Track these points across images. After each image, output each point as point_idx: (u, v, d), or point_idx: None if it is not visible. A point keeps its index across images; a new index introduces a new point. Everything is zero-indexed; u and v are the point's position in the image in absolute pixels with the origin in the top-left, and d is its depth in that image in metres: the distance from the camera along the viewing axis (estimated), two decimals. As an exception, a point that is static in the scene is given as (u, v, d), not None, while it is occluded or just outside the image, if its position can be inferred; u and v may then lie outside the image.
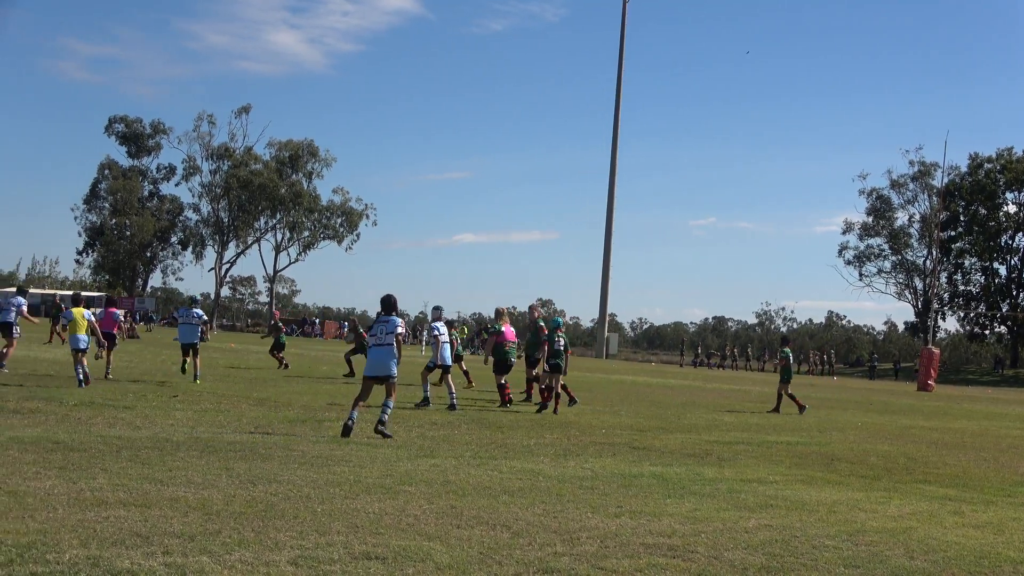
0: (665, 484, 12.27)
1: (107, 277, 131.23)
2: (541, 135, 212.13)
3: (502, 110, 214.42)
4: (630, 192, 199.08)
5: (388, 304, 15.97)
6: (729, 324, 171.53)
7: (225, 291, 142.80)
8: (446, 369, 21.80)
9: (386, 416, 15.51)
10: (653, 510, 10.32)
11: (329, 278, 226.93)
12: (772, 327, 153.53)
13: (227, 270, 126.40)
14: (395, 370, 15.71)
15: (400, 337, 15.70)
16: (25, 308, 26.67)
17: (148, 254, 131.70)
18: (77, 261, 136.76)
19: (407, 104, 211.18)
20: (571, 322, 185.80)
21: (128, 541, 7.53)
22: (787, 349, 27.65)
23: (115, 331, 25.21)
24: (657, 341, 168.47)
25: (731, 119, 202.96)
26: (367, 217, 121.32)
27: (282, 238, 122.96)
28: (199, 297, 32.79)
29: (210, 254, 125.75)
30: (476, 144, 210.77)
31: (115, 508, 8.68)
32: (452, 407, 20.86)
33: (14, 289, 28.33)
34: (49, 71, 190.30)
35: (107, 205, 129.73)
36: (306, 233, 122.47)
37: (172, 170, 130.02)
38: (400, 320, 15.82)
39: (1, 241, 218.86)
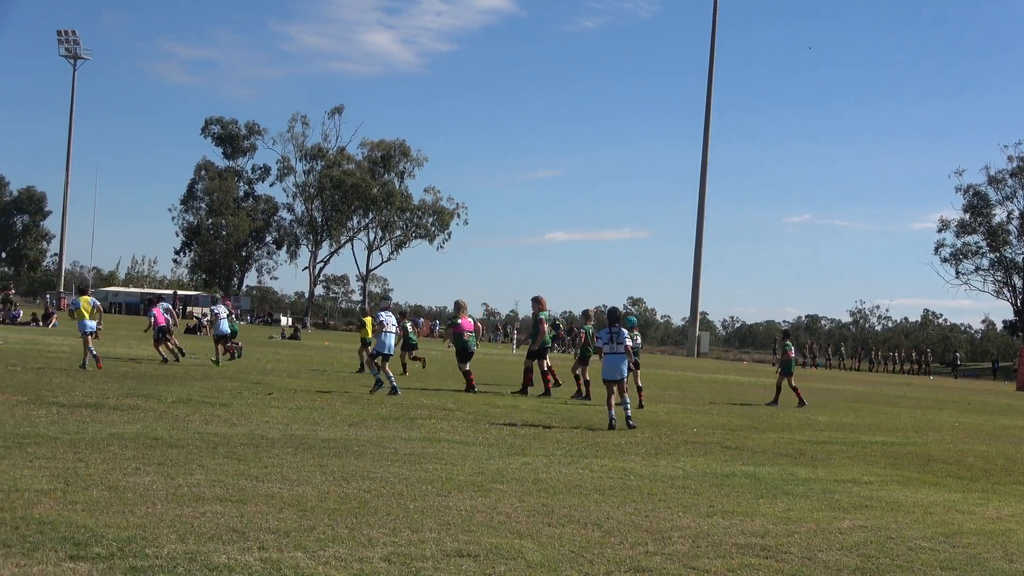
0: (758, 484, 12.16)
1: (204, 276, 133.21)
2: (632, 133, 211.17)
3: (593, 108, 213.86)
4: (721, 189, 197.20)
5: (614, 316, 18.73)
6: (823, 322, 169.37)
7: (319, 290, 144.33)
8: (386, 357, 22.23)
9: (628, 411, 18.14)
10: (745, 510, 10.23)
11: (421, 277, 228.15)
12: (866, 326, 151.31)
13: (321, 269, 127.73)
14: (626, 372, 18.28)
15: (628, 346, 18.35)
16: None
17: (243, 253, 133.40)
18: (175, 261, 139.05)
19: (499, 103, 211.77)
20: (662, 320, 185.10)
21: (224, 536, 7.64)
22: (788, 342, 27.80)
23: (163, 323, 28.36)
24: (749, 340, 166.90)
25: (827, 116, 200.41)
26: (458, 216, 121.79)
27: (374, 237, 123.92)
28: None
29: (304, 253, 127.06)
30: (567, 142, 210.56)
31: (212, 504, 8.81)
32: (378, 384, 22.08)
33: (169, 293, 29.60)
34: (149, 74, 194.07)
35: (204, 205, 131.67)
36: (398, 232, 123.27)
37: (267, 170, 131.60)
38: (626, 332, 18.46)
39: (102, 241, 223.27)
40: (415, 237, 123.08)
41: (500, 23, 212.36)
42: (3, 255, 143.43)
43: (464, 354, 24.63)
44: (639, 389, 23.41)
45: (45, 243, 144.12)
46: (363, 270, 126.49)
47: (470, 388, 24.20)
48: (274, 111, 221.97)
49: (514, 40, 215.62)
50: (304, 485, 10.00)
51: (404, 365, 29.47)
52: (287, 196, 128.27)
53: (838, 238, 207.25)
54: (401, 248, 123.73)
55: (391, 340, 22.31)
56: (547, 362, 24.78)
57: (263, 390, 20.71)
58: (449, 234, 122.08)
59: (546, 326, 24.60)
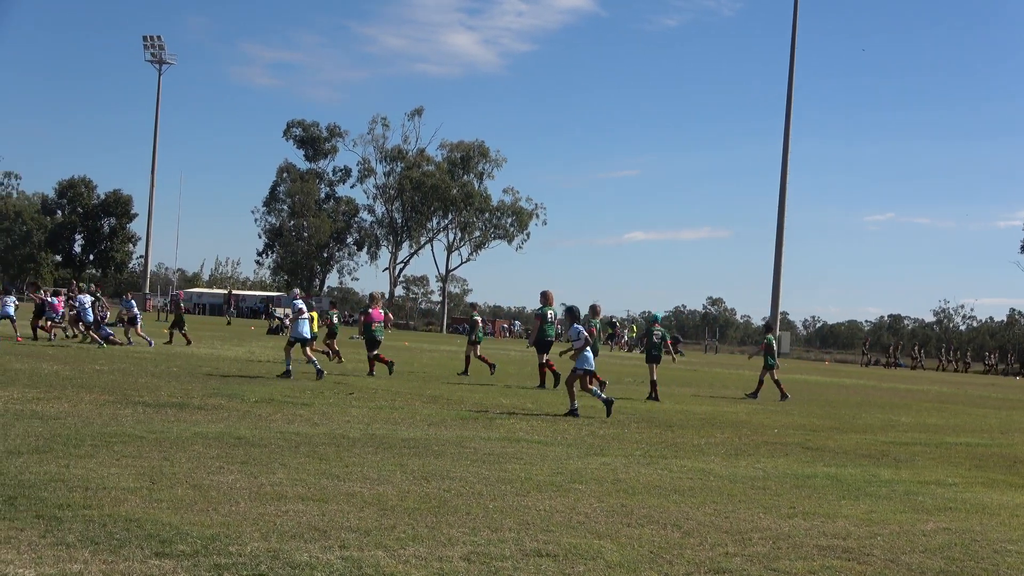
0: (839, 485, 12.03)
1: (286, 277, 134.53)
2: (712, 131, 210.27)
3: (673, 106, 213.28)
4: (802, 188, 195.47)
5: (573, 314, 19.66)
6: (905, 322, 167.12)
7: (399, 290, 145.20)
8: (305, 342, 23.66)
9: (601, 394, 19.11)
10: (827, 511, 10.13)
11: (500, 277, 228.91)
12: (951, 325, 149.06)
13: (401, 270, 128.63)
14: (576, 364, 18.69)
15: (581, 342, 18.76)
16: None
17: (325, 254, 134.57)
18: (257, 262, 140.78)
19: (578, 102, 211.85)
20: (741, 321, 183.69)
21: (306, 535, 7.72)
22: (770, 336, 28.04)
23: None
24: (831, 340, 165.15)
25: (910, 112, 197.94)
26: (537, 216, 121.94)
27: (454, 238, 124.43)
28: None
29: (384, 254, 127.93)
30: (646, 141, 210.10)
31: (294, 502, 8.89)
32: (287, 375, 23.15)
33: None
34: (232, 77, 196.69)
35: (285, 207, 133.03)
36: (477, 233, 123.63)
37: (347, 172, 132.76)
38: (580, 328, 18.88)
39: (187, 242, 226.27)
40: (494, 238, 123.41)
41: (580, 22, 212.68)
42: (91, 257, 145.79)
43: (372, 343, 26.20)
44: (653, 383, 24.12)
45: (131, 245, 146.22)
46: (442, 271, 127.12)
47: (371, 373, 26.03)
48: (355, 113, 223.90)
49: (594, 39, 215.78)
50: (384, 484, 10.06)
51: (327, 352, 30.76)
52: (367, 198, 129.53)
53: (921, 236, 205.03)
54: (480, 249, 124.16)
55: (305, 327, 23.81)
56: (546, 356, 25.17)
57: (344, 390, 20.87)
58: (528, 234, 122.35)
59: (541, 321, 25.07)
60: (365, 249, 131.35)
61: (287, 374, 23.24)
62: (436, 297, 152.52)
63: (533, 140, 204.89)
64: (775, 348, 27.65)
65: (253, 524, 7.99)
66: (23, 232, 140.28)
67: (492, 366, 29.45)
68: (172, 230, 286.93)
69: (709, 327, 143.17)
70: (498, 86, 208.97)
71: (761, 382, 27.24)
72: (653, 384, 24.18)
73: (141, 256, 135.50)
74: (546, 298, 25.32)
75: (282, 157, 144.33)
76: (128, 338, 34.33)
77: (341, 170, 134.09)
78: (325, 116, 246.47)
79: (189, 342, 36.19)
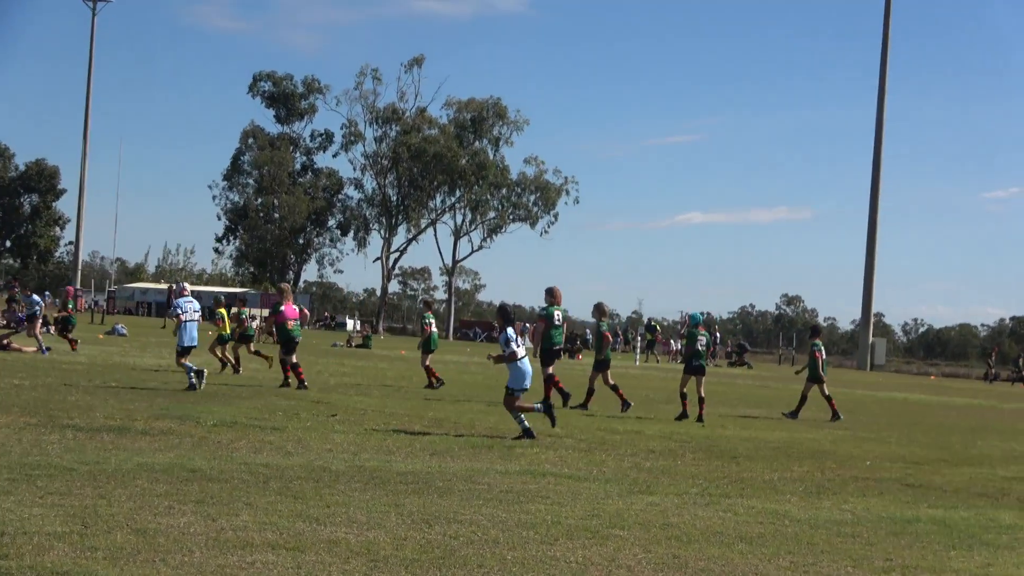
0: (948, 531, 12.02)
1: (252, 269, 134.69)
2: (790, 89, 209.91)
3: (740, 58, 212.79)
4: (901, 159, 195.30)
5: (506, 314, 20.10)
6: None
7: (393, 286, 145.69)
8: (188, 349, 24.62)
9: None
10: (932, 564, 10.13)
11: (520, 269, 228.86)
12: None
13: (396, 260, 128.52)
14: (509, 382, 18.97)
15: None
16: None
17: (301, 241, 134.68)
18: (216, 250, 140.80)
19: (619, 50, 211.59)
20: (825, 324, 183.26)
21: (278, 592, 7.75)
22: (818, 341, 28.17)
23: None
24: (938, 348, 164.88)
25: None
26: (567, 193, 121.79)
27: (462, 220, 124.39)
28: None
29: (375, 240, 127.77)
30: (708, 101, 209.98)
31: (262, 551, 8.93)
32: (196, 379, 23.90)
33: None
34: (186, 18, 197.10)
35: (251, 181, 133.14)
36: (492, 214, 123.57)
37: (329, 138, 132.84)
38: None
39: (128, 226, 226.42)
40: (513, 220, 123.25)
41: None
42: (8, 243, 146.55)
43: (288, 345, 26.73)
44: (701, 400, 24.59)
45: (58, 229, 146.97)
46: (448, 261, 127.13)
47: (284, 384, 26.52)
48: (339, 64, 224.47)
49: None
50: (376, 529, 10.10)
51: (237, 360, 30.84)
52: (354, 169, 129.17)
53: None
54: (496, 233, 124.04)
55: (194, 330, 24.83)
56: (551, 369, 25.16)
57: (325, 411, 20.92)
58: (555, 215, 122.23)
59: (547, 324, 25.09)
60: (351, 234, 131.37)
61: (198, 380, 23.85)
62: (440, 294, 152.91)
63: (563, 97, 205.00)
64: (823, 357, 27.86)
65: (211, 578, 8.02)
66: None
67: (438, 380, 30.25)
68: (109, 210, 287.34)
69: (783, 332, 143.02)
70: (519, 28, 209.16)
71: (804, 399, 27.38)
72: (701, 401, 24.50)
73: (70, 243, 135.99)
74: (553, 296, 25.57)
75: (247, 119, 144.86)
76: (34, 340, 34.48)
77: (321, 135, 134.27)
78: (301, 67, 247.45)
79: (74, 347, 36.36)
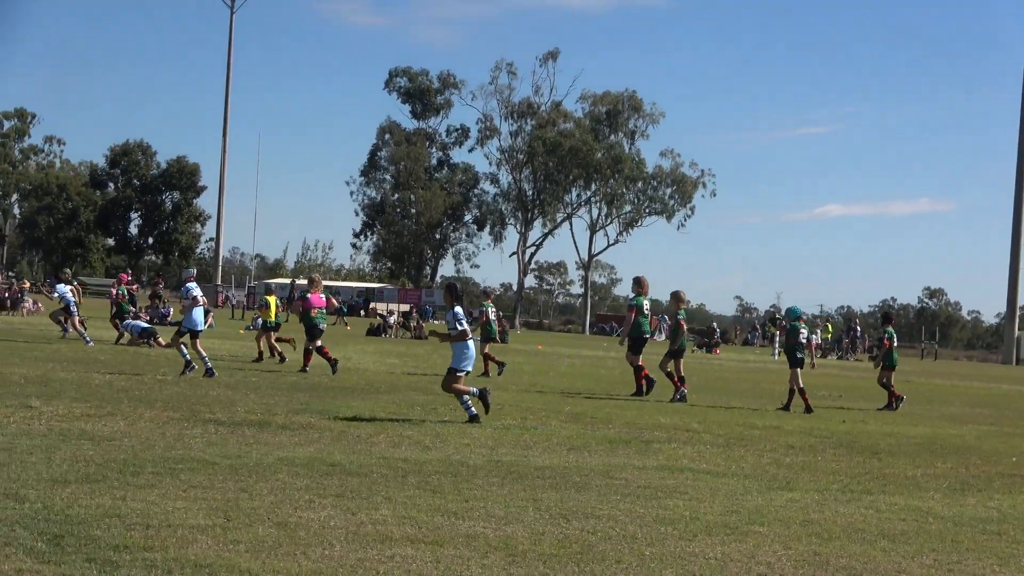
0: (1098, 530, 11.76)
1: (389, 265, 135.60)
2: (930, 76, 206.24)
3: (878, 46, 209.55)
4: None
5: (454, 292, 19.56)
6: None
7: (530, 280, 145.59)
8: (196, 334, 24.63)
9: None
10: (1082, 564, 9.92)
11: (656, 263, 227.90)
12: None
13: (532, 255, 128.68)
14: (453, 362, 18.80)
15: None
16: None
17: (437, 236, 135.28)
18: (354, 246, 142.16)
19: (755, 41, 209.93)
20: (969, 318, 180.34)
21: (417, 586, 7.80)
22: (890, 328, 28.10)
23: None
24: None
25: None
26: (703, 186, 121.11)
27: (598, 214, 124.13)
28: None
29: (511, 235, 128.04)
30: (845, 90, 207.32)
31: (401, 545, 9.00)
32: (187, 368, 24.09)
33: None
34: (324, 14, 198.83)
35: (388, 177, 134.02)
36: (628, 207, 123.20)
37: (465, 133, 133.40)
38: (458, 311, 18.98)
39: (267, 222, 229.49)
40: (649, 213, 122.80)
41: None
42: (150, 240, 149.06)
43: (313, 332, 27.63)
44: (800, 392, 24.63)
45: (199, 225, 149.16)
46: (584, 255, 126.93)
47: (304, 370, 27.39)
48: (474, 58, 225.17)
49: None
50: (514, 524, 10.12)
51: (272, 349, 31.08)
52: (490, 164, 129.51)
53: None
54: (632, 227, 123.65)
55: (201, 315, 25.12)
56: (640, 359, 25.83)
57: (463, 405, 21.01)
58: (692, 209, 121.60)
59: (637, 313, 25.73)
60: (487, 229, 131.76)
61: (189, 366, 24.04)
62: (576, 289, 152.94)
63: (698, 90, 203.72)
64: (895, 344, 27.81)
65: (351, 572, 8.10)
66: (68, 210, 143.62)
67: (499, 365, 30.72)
68: (248, 207, 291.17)
69: (926, 326, 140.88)
70: (654, 22, 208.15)
71: (890, 388, 27.20)
72: (802, 392, 24.56)
73: (211, 239, 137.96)
74: (641, 285, 26.30)
75: (384, 115, 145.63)
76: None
77: (457, 130, 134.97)
78: (437, 62, 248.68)
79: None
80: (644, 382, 25.59)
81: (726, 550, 9.58)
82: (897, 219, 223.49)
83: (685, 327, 26.27)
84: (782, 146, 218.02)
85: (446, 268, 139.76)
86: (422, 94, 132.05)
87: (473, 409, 18.53)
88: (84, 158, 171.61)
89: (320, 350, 27.47)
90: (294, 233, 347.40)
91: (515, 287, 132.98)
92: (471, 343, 18.88)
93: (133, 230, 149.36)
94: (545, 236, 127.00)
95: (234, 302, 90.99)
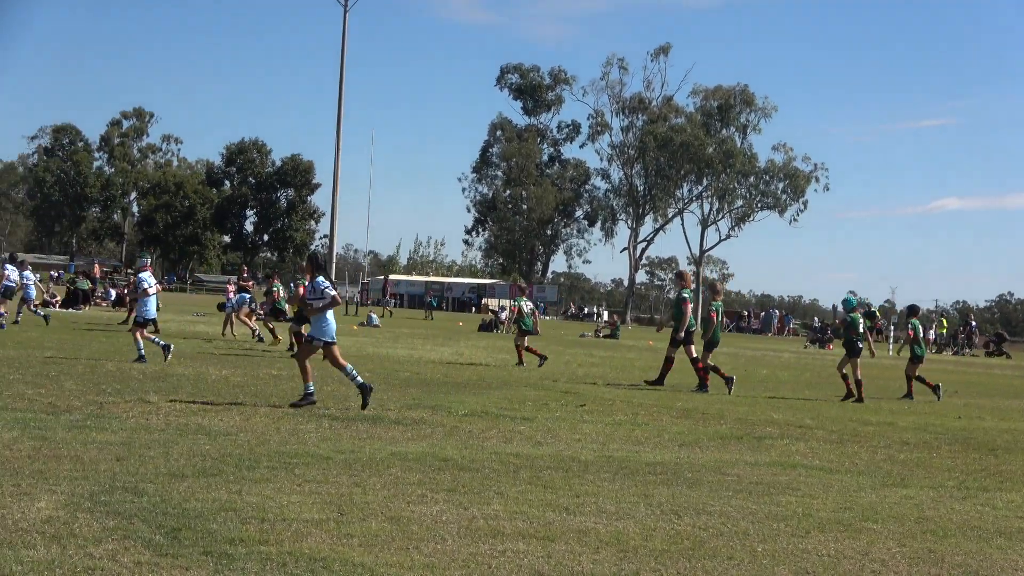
0: None
1: (500, 261, 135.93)
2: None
3: (997, 35, 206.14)
4: None
5: (315, 262, 19.11)
6: None
7: (641, 276, 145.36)
8: (146, 323, 24.67)
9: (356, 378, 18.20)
10: None
11: (768, 258, 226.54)
12: None
13: (643, 250, 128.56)
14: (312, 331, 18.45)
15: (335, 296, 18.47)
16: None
17: (548, 232, 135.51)
18: (466, 242, 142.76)
19: (869, 32, 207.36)
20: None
21: (528, 581, 7.82)
22: (915, 320, 28.42)
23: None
24: None
25: None
26: (816, 180, 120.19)
27: (710, 209, 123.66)
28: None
29: (623, 230, 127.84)
30: (964, 80, 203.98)
31: (513, 540, 9.02)
32: (140, 359, 23.73)
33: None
34: (437, 12, 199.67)
35: (500, 173, 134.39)
36: (740, 202, 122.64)
37: (576, 128, 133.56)
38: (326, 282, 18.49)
39: (380, 219, 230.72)
40: (761, 208, 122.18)
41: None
42: (265, 237, 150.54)
43: (301, 317, 27.71)
44: (856, 382, 25.06)
45: (313, 222, 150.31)
46: (696, 251, 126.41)
47: (291, 348, 28.67)
48: (585, 54, 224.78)
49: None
50: (625, 519, 10.12)
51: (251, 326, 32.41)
52: (601, 160, 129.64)
53: None
54: (743, 222, 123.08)
55: (154, 304, 25.44)
56: (693, 349, 26.22)
57: (574, 401, 21.02)
58: (805, 203, 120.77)
59: (690, 307, 25.98)
60: (599, 224, 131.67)
61: (141, 359, 23.94)
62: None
63: (811, 82, 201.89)
64: (921, 336, 27.99)
65: (462, 566, 8.14)
66: (185, 208, 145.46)
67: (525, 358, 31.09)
68: (362, 204, 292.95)
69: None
70: (767, 14, 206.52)
71: (916, 379, 27.26)
72: (858, 384, 24.89)
73: (325, 236, 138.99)
74: (684, 280, 26.87)
75: (495, 111, 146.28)
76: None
77: (568, 126, 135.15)
78: (548, 58, 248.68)
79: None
80: (704, 376, 25.71)
81: (839, 547, 9.51)
82: (1016, 212, 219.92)
83: (716, 319, 26.38)
84: (897, 139, 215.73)
85: (557, 264, 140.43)
86: (533, 90, 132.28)
87: (360, 378, 18.08)
88: (201, 156, 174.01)
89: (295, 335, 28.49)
90: (407, 230, 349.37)
91: (626, 283, 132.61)
92: (331, 313, 18.29)
93: (248, 227, 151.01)
94: (656, 231, 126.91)
95: (346, 297, 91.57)
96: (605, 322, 78.04)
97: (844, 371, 25.40)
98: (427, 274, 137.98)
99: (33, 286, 37.48)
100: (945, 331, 77.21)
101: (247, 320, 34.76)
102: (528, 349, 31.12)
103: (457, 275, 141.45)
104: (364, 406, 17.72)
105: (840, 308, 29.57)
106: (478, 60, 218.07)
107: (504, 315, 62.33)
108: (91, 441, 12.70)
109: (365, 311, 67.78)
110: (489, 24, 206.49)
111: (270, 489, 10.51)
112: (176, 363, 23.60)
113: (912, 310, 29.52)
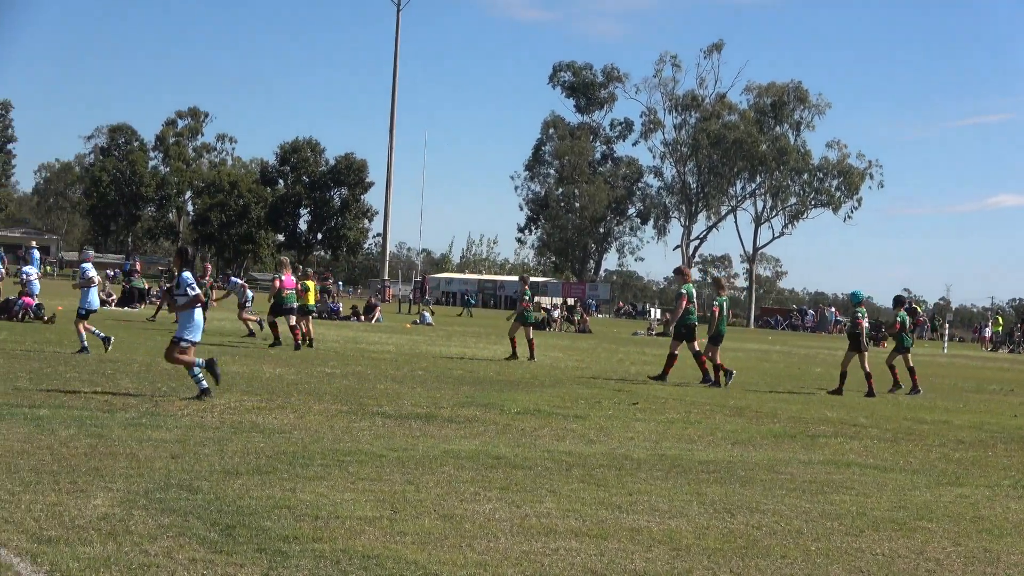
0: None
1: (553, 259, 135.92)
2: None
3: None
4: None
5: (184, 255, 18.59)
6: None
7: (694, 273, 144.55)
8: (88, 315, 24.64)
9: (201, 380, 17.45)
10: None
11: (822, 255, 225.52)
12: None
13: (696, 248, 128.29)
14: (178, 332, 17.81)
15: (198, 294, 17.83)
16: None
17: (601, 230, 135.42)
18: (518, 240, 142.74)
19: (927, 25, 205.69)
20: None
21: (581, 579, 7.82)
22: (903, 312, 28.28)
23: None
24: None
25: None
26: (871, 177, 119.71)
27: (763, 206, 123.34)
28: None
29: (675, 228, 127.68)
30: (1021, 75, 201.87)
31: (565, 538, 9.03)
32: (83, 350, 23.82)
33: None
34: (491, 10, 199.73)
35: (552, 171, 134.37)
36: (793, 200, 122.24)
37: (629, 126, 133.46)
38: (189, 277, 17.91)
39: (433, 217, 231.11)
40: (815, 205, 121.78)
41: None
42: (319, 236, 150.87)
43: (278, 308, 30.45)
44: (866, 374, 25.18)
45: (367, 221, 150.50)
46: (749, 248, 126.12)
47: (299, 344, 29.62)
48: (637, 52, 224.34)
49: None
50: (678, 518, 10.10)
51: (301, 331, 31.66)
52: (654, 157, 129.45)
53: None
54: (797, 220, 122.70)
55: (96, 295, 25.40)
56: (696, 345, 26.41)
57: (626, 399, 21.00)
58: (859, 200, 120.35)
59: (685, 302, 26.21)
60: (651, 222, 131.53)
61: (84, 350, 24.12)
62: (741, 282, 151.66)
63: (865, 78, 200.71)
64: (908, 326, 28.17)
65: (515, 564, 8.15)
66: (239, 207, 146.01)
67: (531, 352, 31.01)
68: (415, 202, 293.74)
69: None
70: (820, 10, 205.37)
71: (909, 369, 27.43)
72: (868, 376, 25.23)
73: (378, 234, 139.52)
74: (684, 275, 27.30)
75: (548, 109, 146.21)
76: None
77: (620, 123, 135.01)
78: (601, 56, 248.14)
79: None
80: (712, 370, 25.88)
81: (894, 546, 9.47)
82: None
83: (719, 313, 26.28)
84: (953, 135, 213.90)
85: (610, 262, 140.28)
86: (586, 88, 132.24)
87: (204, 382, 17.51)
88: (255, 155, 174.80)
89: (292, 328, 29.94)
90: (459, 228, 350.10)
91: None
92: (198, 312, 17.81)
93: (302, 226, 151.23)
94: (709, 229, 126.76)
95: (401, 296, 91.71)
96: (658, 320, 77.90)
97: (860, 367, 25.39)
98: (480, 272, 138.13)
99: (36, 281, 36.56)
100: (1001, 329, 76.71)
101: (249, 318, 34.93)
102: (528, 342, 30.98)
103: (509, 273, 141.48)
104: (200, 396, 17.19)
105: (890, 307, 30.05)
106: (531, 58, 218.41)
107: (556, 313, 62.32)
108: (146, 439, 12.79)
109: (417, 310, 67.83)
110: (542, 21, 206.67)
111: (324, 487, 10.55)
112: (231, 361, 23.70)
113: (898, 301, 29.66)
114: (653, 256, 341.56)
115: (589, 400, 20.47)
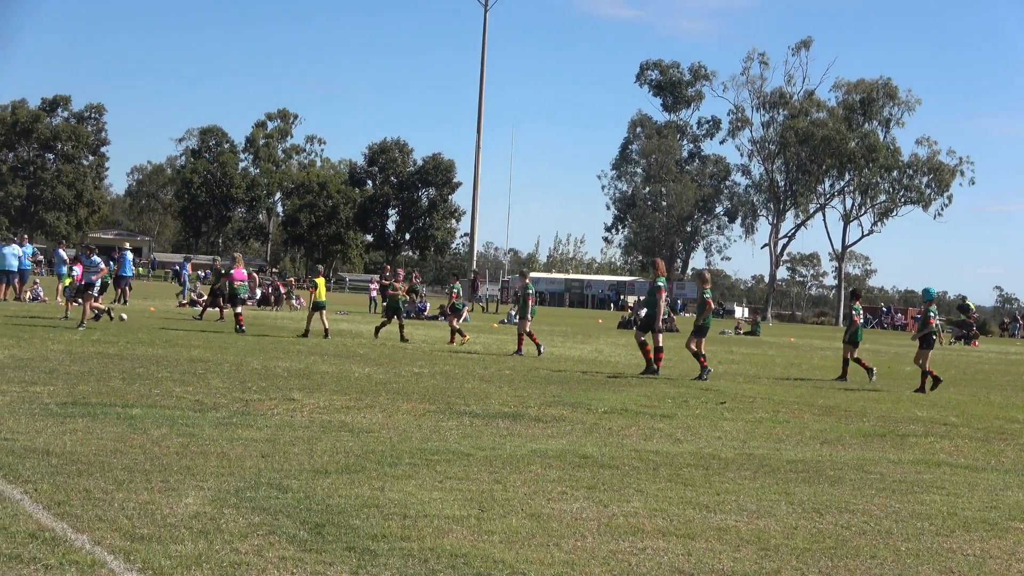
0: None
1: (640, 258, 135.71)
2: None
3: None
4: None
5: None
6: None
7: (782, 272, 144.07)
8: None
9: None
10: None
11: (912, 253, 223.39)
12: None
13: (784, 246, 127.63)
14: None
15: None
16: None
17: (688, 228, 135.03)
18: (605, 239, 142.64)
19: (1012, 22, 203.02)
20: None
21: (668, 579, 7.81)
22: (858, 305, 29.57)
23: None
24: None
25: None
26: (962, 174, 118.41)
27: (852, 204, 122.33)
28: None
29: (763, 226, 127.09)
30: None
31: (652, 538, 9.01)
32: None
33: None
34: (580, 8, 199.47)
35: (639, 170, 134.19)
36: (883, 197, 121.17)
37: (716, 124, 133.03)
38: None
39: (520, 217, 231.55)
40: (905, 203, 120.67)
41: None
42: (407, 236, 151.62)
43: (234, 299, 34.05)
44: (923, 373, 25.27)
45: (454, 221, 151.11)
46: (838, 246, 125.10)
47: (239, 329, 32.66)
48: (725, 49, 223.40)
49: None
50: (766, 517, 10.06)
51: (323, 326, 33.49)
52: (741, 155, 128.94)
53: None
54: (887, 217, 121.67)
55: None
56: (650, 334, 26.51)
57: (714, 398, 20.92)
58: (949, 198, 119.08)
59: (664, 295, 26.53)
60: (739, 220, 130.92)
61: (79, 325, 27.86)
62: (830, 280, 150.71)
63: (955, 74, 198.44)
64: (860, 320, 28.86)
65: (603, 563, 8.15)
66: (328, 207, 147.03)
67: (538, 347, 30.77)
68: (502, 202, 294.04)
69: None
70: (908, 7, 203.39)
71: (850, 361, 28.18)
72: (924, 375, 25.28)
73: (466, 234, 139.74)
74: (659, 268, 27.41)
75: (635, 108, 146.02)
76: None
77: (708, 122, 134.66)
78: (688, 54, 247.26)
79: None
80: (652, 359, 26.29)
81: (985, 547, 9.37)
82: None
83: (712, 306, 26.60)
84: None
85: (697, 260, 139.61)
86: (673, 86, 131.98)
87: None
88: (344, 156, 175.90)
89: (236, 315, 33.37)
90: (547, 227, 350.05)
91: (767, 279, 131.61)
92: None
93: (390, 226, 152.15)
94: (798, 227, 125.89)
95: (487, 296, 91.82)
96: (745, 319, 77.48)
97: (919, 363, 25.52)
98: (567, 271, 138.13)
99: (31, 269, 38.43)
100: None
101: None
102: (529, 335, 30.88)
103: (596, 272, 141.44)
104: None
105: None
106: (618, 56, 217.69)
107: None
108: (237, 438, 12.91)
109: (505, 309, 67.91)
110: (630, 20, 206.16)
111: (412, 486, 10.60)
112: (320, 361, 23.86)
113: (855, 295, 30.09)
114: (741, 255, 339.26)
115: (676, 399, 20.42)
